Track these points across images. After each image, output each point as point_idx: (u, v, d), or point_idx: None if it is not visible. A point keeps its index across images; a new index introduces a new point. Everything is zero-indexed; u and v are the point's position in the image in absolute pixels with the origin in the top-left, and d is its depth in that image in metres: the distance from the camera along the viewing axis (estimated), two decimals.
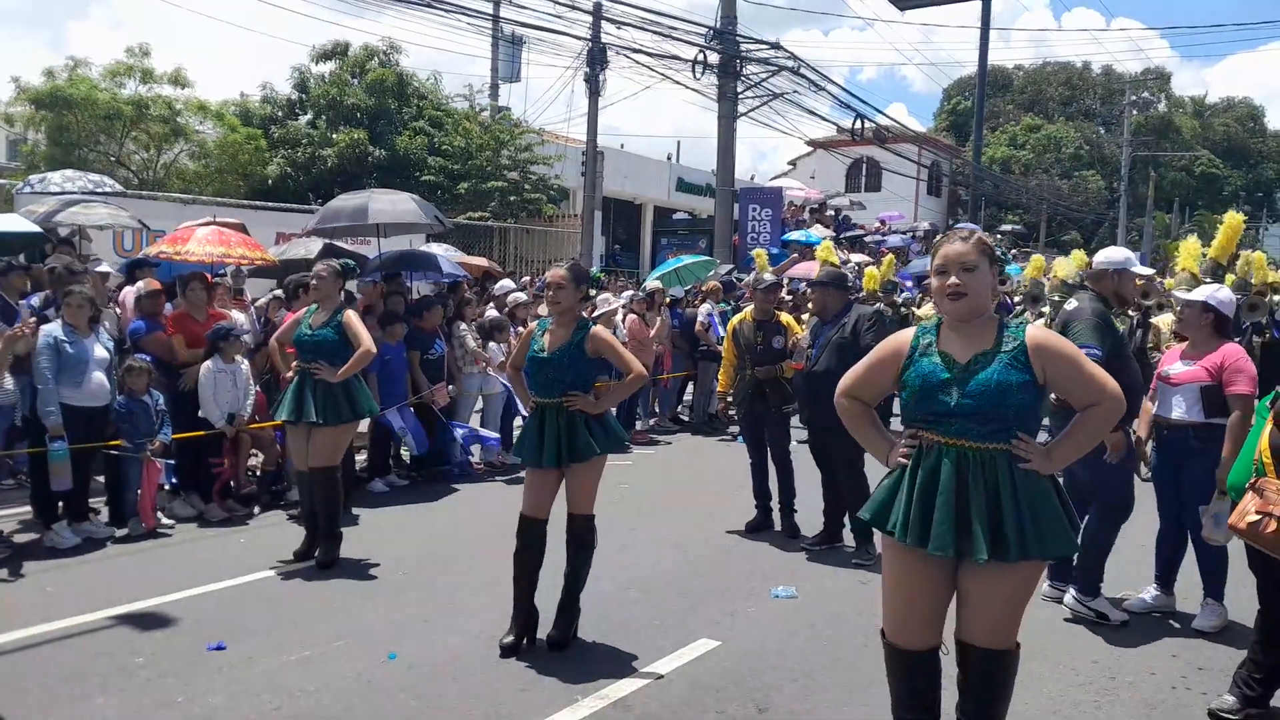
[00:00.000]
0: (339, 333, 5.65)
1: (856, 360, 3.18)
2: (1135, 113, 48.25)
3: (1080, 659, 4.41)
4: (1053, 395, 3.20)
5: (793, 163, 40.43)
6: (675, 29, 18.26)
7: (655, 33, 16.55)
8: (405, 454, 8.25)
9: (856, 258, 17.67)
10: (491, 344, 8.89)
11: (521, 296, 10.34)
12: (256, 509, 6.99)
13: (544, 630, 4.44)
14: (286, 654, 4.28)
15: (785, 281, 13.22)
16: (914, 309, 12.41)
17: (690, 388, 11.93)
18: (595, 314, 8.53)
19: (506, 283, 11.33)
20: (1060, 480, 2.89)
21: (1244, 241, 8.24)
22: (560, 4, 15.62)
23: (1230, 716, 3.79)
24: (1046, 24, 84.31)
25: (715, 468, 9.02)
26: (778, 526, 6.58)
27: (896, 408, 3.05)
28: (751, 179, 29.73)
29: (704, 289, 12.12)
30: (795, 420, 6.58)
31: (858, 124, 21.65)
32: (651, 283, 12.12)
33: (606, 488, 4.70)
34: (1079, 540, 3.95)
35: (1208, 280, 7.08)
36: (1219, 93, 67.91)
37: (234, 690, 3.90)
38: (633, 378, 4.52)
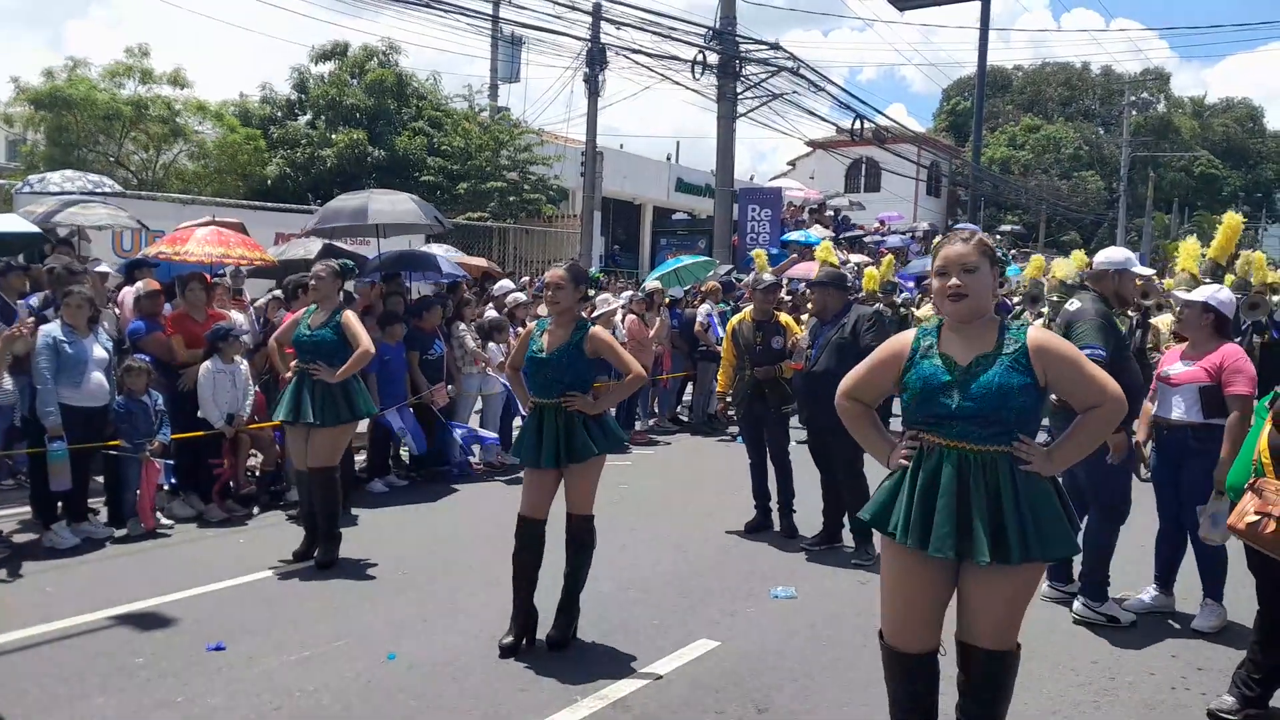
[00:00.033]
0: (338, 333, 5.64)
1: (856, 361, 3.18)
2: (1134, 113, 48.27)
3: (1080, 659, 4.41)
4: (1053, 396, 3.20)
5: (792, 163, 40.45)
6: (675, 29, 18.29)
7: (655, 33, 16.58)
8: (405, 454, 8.25)
9: (856, 258, 17.68)
10: (491, 344, 8.90)
11: (521, 297, 10.33)
12: (256, 509, 6.99)
13: (543, 630, 4.44)
14: (286, 654, 4.28)
15: (784, 282, 13.23)
16: (913, 309, 12.42)
17: (689, 388, 11.94)
18: (594, 314, 8.52)
19: (506, 283, 11.33)
20: (1060, 481, 2.89)
21: (1243, 242, 8.23)
22: (560, 4, 15.65)
23: (1229, 717, 3.80)
24: (1046, 24, 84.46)
25: (714, 468, 9.02)
26: (777, 527, 6.58)
27: (897, 408, 3.05)
28: (751, 179, 29.73)
29: (703, 289, 12.13)
30: (794, 420, 6.58)
31: (857, 124, 21.68)
32: (651, 283, 12.13)
33: (606, 488, 4.71)
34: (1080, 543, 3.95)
35: (1207, 281, 7.08)
36: (1218, 93, 68.06)
37: (233, 690, 3.90)
38: (632, 378, 4.52)
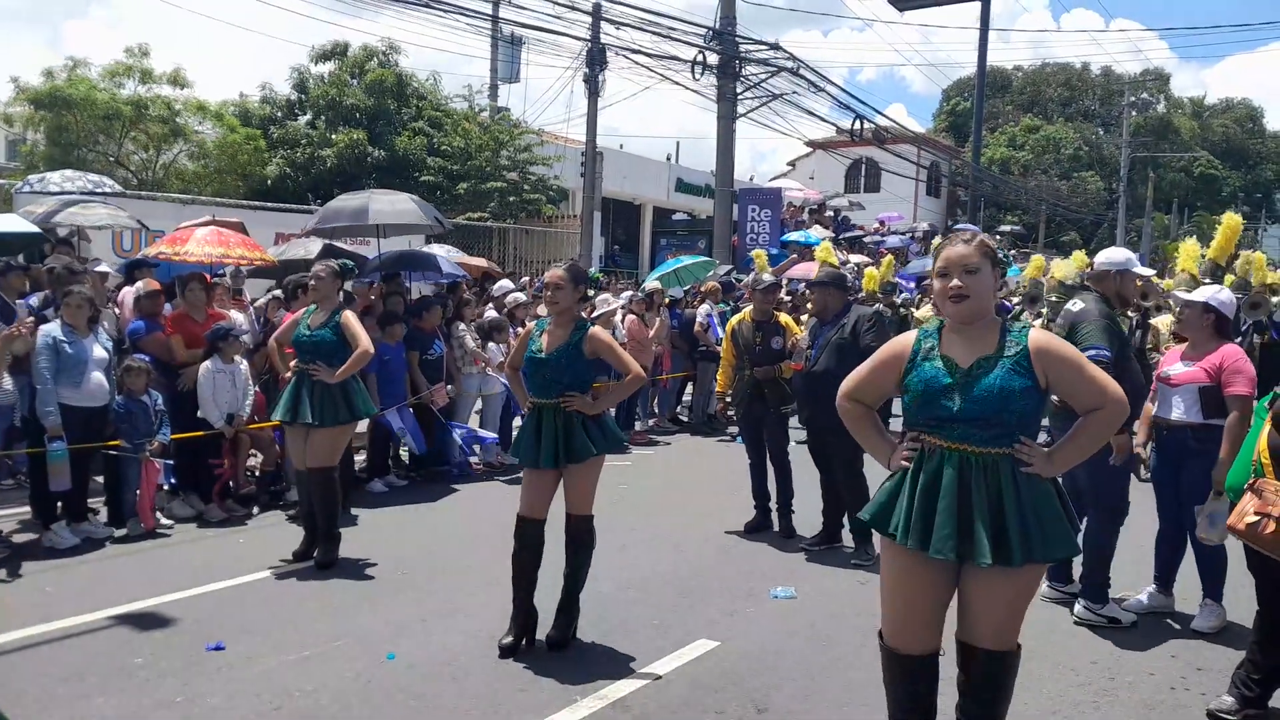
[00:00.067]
0: (337, 333, 5.64)
1: (856, 361, 3.19)
2: (1134, 114, 48.31)
3: (1080, 659, 4.41)
4: (1054, 397, 3.20)
5: (792, 163, 40.44)
6: (674, 30, 18.30)
7: (654, 33, 16.58)
8: (404, 454, 8.25)
9: (855, 258, 17.69)
10: (490, 344, 8.90)
11: (520, 297, 10.33)
12: (255, 509, 6.99)
13: (543, 630, 4.44)
14: (285, 654, 4.28)
15: (784, 282, 13.23)
16: (913, 310, 12.43)
17: (689, 388, 11.94)
18: (594, 314, 8.52)
19: (505, 283, 11.32)
20: (1060, 481, 2.89)
21: (1242, 242, 8.25)
22: (559, 4, 15.64)
23: (1229, 717, 3.80)
24: (1045, 25, 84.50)
25: (714, 468, 9.02)
26: (776, 527, 6.58)
27: (897, 408, 3.05)
28: (751, 180, 29.72)
29: (703, 289, 12.13)
30: (794, 421, 6.58)
31: (857, 125, 21.69)
32: (650, 283, 12.13)
33: (605, 488, 4.70)
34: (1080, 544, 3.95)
35: (1207, 281, 7.09)
36: (1218, 93, 68.01)
37: (233, 690, 3.90)
38: (631, 378, 4.52)
